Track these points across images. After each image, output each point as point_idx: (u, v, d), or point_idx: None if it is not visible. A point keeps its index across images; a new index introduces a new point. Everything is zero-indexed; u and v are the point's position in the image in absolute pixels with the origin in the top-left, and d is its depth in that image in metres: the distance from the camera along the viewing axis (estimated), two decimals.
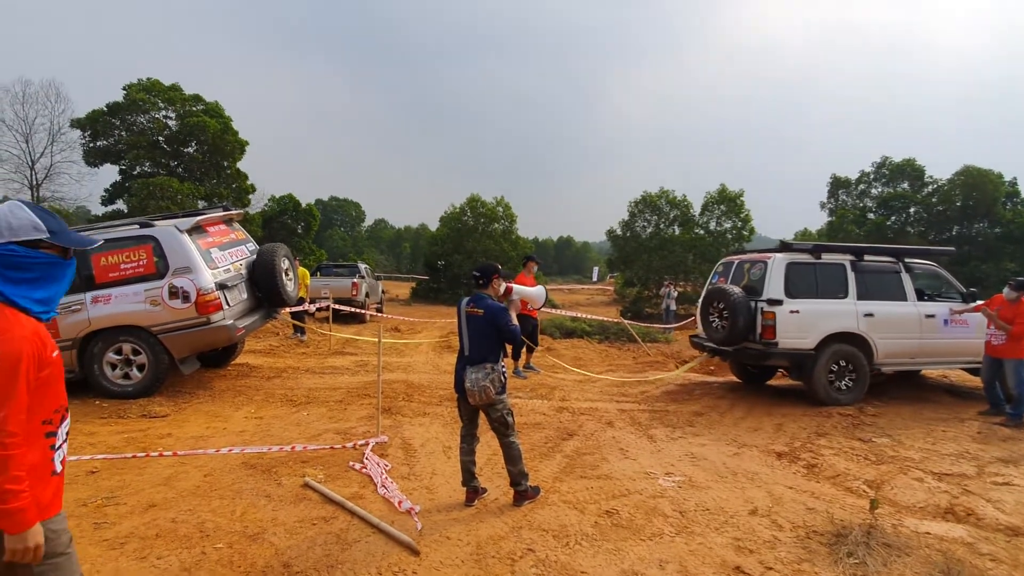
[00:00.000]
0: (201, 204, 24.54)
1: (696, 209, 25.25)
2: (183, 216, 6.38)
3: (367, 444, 4.56)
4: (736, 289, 6.47)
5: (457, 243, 26.90)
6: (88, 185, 36.99)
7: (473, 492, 3.61)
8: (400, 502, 3.54)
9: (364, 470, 4.06)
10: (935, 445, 5.08)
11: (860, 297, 6.38)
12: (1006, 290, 5.90)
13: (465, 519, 3.39)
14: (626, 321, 13.59)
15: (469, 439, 3.65)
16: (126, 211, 23.65)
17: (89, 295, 5.69)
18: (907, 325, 6.45)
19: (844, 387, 6.32)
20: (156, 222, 6.07)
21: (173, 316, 5.69)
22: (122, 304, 5.68)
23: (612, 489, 3.93)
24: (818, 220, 37.17)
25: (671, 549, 3.12)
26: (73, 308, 5.65)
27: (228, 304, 6.00)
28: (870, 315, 6.32)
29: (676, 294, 17.10)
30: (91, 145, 25.08)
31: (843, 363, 6.30)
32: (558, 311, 14.72)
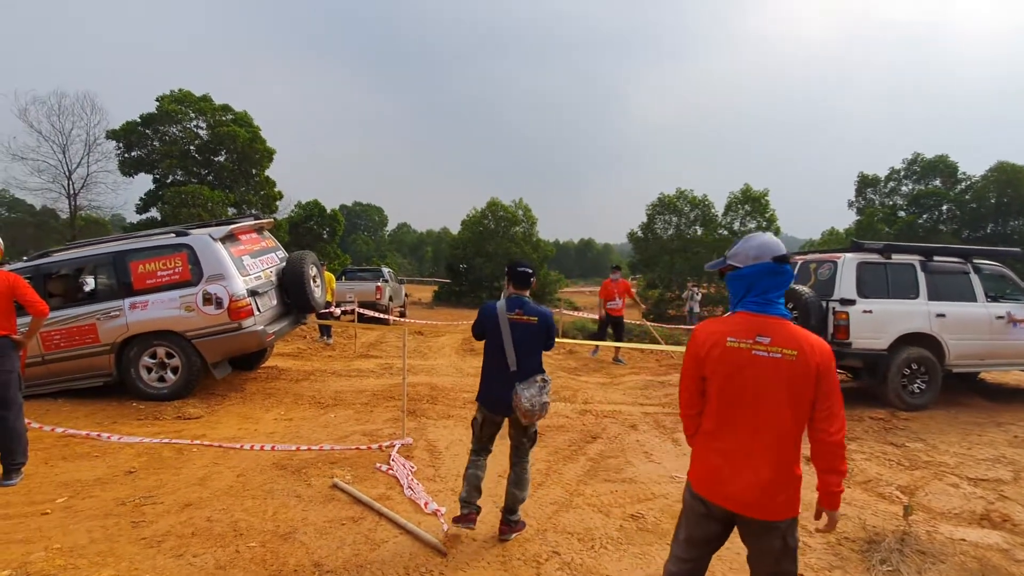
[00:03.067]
0: (231, 211, 25.21)
1: (719, 209, 24.92)
2: (216, 225, 6.56)
3: (393, 446, 4.63)
4: (806, 289, 6.37)
5: (478, 246, 27.05)
6: (123, 194, 38.36)
7: (476, 513, 3.17)
8: (426, 503, 3.58)
9: (390, 471, 4.13)
10: (970, 450, 4.93)
11: (931, 298, 6.29)
12: None
13: (491, 522, 3.42)
14: (649, 323, 13.48)
15: (485, 453, 3.28)
16: (160, 219, 24.43)
17: (127, 301, 5.89)
18: (978, 326, 6.35)
19: (916, 390, 6.21)
20: (191, 231, 6.26)
21: (207, 322, 5.86)
22: (158, 310, 5.87)
23: (637, 493, 3.92)
24: (846, 219, 36.32)
25: None
26: (112, 314, 5.87)
27: (259, 310, 6.15)
28: (942, 316, 6.24)
29: (700, 296, 16.90)
30: (126, 155, 26.02)
31: (915, 366, 6.19)
32: (580, 313, 14.68)
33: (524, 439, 3.19)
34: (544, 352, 3.19)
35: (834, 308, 6.16)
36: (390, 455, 4.41)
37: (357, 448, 4.66)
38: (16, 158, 24.96)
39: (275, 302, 6.63)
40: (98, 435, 4.82)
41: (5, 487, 3.80)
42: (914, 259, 6.45)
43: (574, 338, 12.21)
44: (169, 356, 5.96)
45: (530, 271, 3.18)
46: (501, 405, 3.07)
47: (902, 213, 30.89)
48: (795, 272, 7.12)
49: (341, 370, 8.04)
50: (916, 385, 6.22)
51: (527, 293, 3.18)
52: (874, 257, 6.38)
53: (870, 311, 6.10)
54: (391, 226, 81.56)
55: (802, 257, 7.26)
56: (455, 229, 35.57)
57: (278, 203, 28.71)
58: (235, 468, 4.17)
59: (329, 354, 9.73)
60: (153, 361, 5.97)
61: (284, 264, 6.95)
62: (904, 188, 32.17)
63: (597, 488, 4.00)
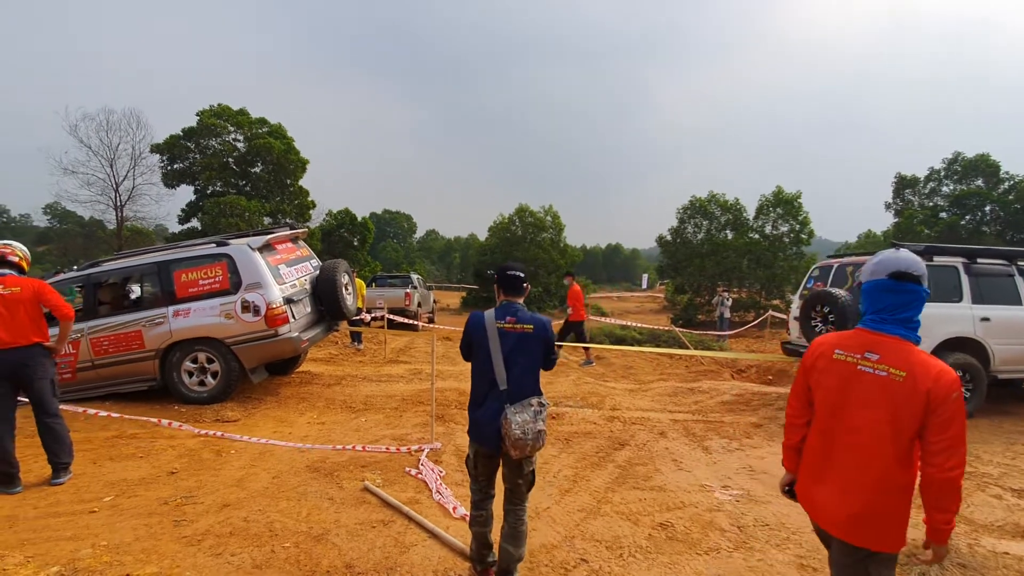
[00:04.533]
0: (267, 220, 25.99)
1: (750, 213, 24.40)
2: (254, 235, 6.79)
3: (422, 450, 4.69)
4: (843, 292, 6.24)
5: (506, 252, 27.16)
6: (166, 205, 39.86)
7: (492, 567, 2.84)
8: (455, 508, 3.62)
9: (419, 476, 4.19)
10: (1015, 460, 4.71)
11: (975, 301, 6.09)
12: None
13: None
14: (677, 329, 13.29)
15: (487, 501, 2.80)
16: (200, 228, 25.35)
17: (171, 309, 6.14)
18: None
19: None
20: (230, 240, 6.48)
21: (245, 329, 6.05)
22: (200, 317, 6.09)
23: (666, 501, 3.87)
24: (883, 221, 35.11)
25: (729, 565, 3.04)
26: (157, 321, 6.12)
27: (294, 317, 6.32)
28: (986, 320, 6.03)
29: (731, 301, 16.56)
30: (169, 168, 27.14)
31: (959, 372, 5.97)
32: (607, 319, 14.57)
33: (519, 480, 2.68)
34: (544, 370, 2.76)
35: None
36: (419, 459, 4.47)
37: (386, 449, 4.75)
38: (68, 172, 26.28)
39: (309, 309, 6.81)
40: (158, 422, 5.04)
41: (55, 486, 3.98)
42: (957, 261, 6.23)
43: (601, 344, 12.13)
44: (210, 361, 6.18)
45: (521, 275, 2.74)
46: (489, 433, 2.58)
47: (943, 214, 29.69)
48: (831, 275, 6.93)
49: (371, 375, 8.19)
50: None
51: (520, 300, 2.75)
52: None
53: None
54: (420, 233, 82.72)
55: (839, 260, 7.10)
56: (483, 235, 35.82)
57: (311, 212, 29.46)
58: (271, 470, 4.29)
59: (360, 359, 9.92)
60: (194, 366, 6.19)
61: (318, 272, 7.14)
62: (944, 189, 30.94)
63: (625, 495, 3.97)
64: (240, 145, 27.56)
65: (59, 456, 4.09)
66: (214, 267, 6.17)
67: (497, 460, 2.73)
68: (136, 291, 6.93)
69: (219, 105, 27.50)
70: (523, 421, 2.50)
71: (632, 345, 12.16)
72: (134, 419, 5.42)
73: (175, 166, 27.10)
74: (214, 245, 6.40)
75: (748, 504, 3.84)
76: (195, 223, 26.85)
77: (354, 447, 4.80)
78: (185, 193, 28.14)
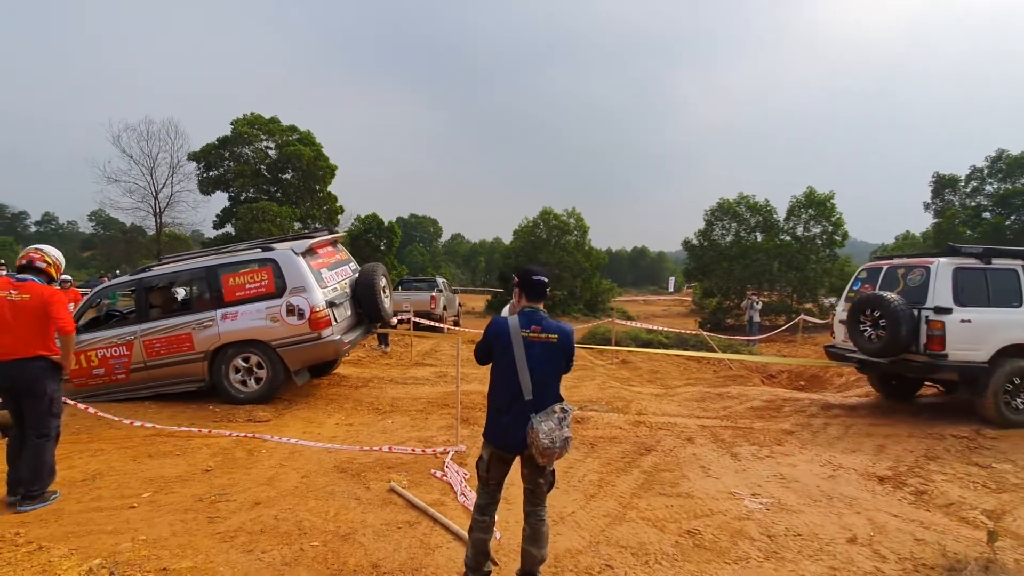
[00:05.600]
0: (297, 225, 26.63)
1: (781, 214, 23.84)
2: (297, 239, 6.93)
3: (447, 453, 4.73)
4: (895, 296, 6.02)
5: (531, 256, 27.15)
6: (202, 211, 41.05)
7: None
8: None
9: (444, 478, 4.22)
10: None
11: None
12: None
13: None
14: (705, 333, 13.07)
15: (493, 507, 2.76)
16: (234, 233, 26.11)
17: (219, 312, 6.33)
18: None
19: (1021, 406, 5.74)
20: (274, 245, 6.64)
21: (289, 332, 6.19)
22: (247, 320, 6.26)
23: (693, 508, 3.81)
24: (922, 222, 33.86)
25: (759, 575, 2.98)
26: (206, 324, 6.33)
27: (336, 320, 6.44)
28: None
29: (760, 304, 16.18)
30: (205, 175, 28.07)
31: (1019, 379, 5.73)
32: (633, 323, 14.42)
33: (541, 480, 2.69)
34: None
35: (927, 317, 5.77)
36: (444, 462, 4.51)
37: (412, 450, 4.80)
38: (111, 180, 27.49)
39: (349, 312, 6.92)
40: (199, 431, 5.21)
41: (21, 513, 3.61)
42: (1017, 264, 5.96)
43: (627, 347, 12.01)
44: (259, 366, 6.33)
45: (546, 280, 2.72)
46: (514, 441, 2.60)
47: (986, 214, 28.45)
48: (880, 277, 6.70)
49: (398, 377, 8.29)
50: (1020, 400, 5.72)
51: (542, 306, 2.74)
52: (972, 262, 5.95)
53: (968, 320, 5.67)
54: (445, 237, 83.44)
55: (888, 261, 6.82)
56: (507, 239, 35.92)
57: (340, 217, 30.05)
58: (300, 469, 4.39)
59: (386, 362, 10.05)
60: (244, 366, 6.35)
61: (357, 276, 7.25)
62: (988, 188, 29.64)
63: (652, 502, 3.92)
64: (272, 152, 28.33)
65: (32, 483, 3.68)
66: (260, 271, 6.34)
67: (510, 464, 2.73)
68: (186, 295, 7.18)
69: (252, 114, 28.35)
70: (549, 429, 2.50)
71: (658, 349, 12.01)
72: (172, 429, 5.58)
73: (210, 173, 28.04)
74: (260, 250, 6.57)
75: (779, 513, 3.75)
76: (229, 228, 27.67)
77: (381, 448, 4.87)
78: (220, 199, 29.11)
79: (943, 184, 31.16)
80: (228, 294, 6.34)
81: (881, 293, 6.17)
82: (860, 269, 7.35)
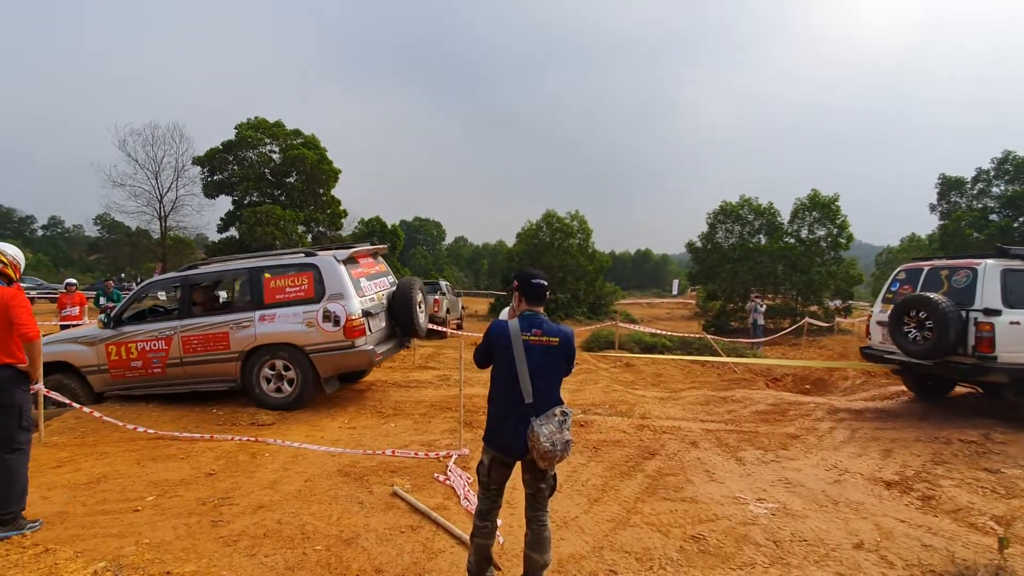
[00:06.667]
0: (300, 229, 26.70)
1: (785, 216, 23.76)
2: (339, 248, 6.94)
3: (450, 456, 4.71)
4: (943, 298, 5.99)
5: (534, 259, 27.13)
6: (206, 215, 41.26)
7: None
8: None
9: (447, 482, 4.20)
10: None
11: None
12: None
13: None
14: (709, 336, 13.03)
15: (494, 511, 2.73)
16: (237, 237, 26.21)
17: (257, 314, 6.36)
18: None
19: None
20: (317, 252, 6.69)
21: (324, 338, 6.19)
22: (283, 324, 6.28)
23: (698, 513, 3.79)
24: (927, 224, 33.68)
25: None
26: (243, 324, 6.34)
27: (370, 330, 6.43)
28: None
29: (764, 307, 16.13)
30: (209, 179, 28.19)
31: None
32: (637, 326, 14.38)
33: (542, 485, 2.67)
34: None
35: (976, 319, 5.75)
36: (447, 466, 4.50)
37: (415, 454, 4.79)
38: (116, 184, 27.67)
39: (384, 324, 6.91)
40: (201, 436, 5.22)
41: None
42: None
43: (631, 351, 11.99)
44: (286, 369, 6.32)
45: (545, 283, 2.70)
46: (516, 446, 2.58)
47: (993, 216, 28.28)
48: (921, 279, 6.66)
49: (400, 381, 8.28)
50: None
51: (542, 310, 2.73)
52: (1020, 264, 5.94)
53: (1018, 323, 5.64)
54: (448, 240, 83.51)
55: (929, 263, 6.77)
56: (511, 242, 35.91)
57: (343, 220, 30.14)
58: (303, 473, 4.38)
59: (389, 365, 10.04)
60: (275, 372, 6.35)
61: (395, 289, 7.26)
62: (994, 190, 29.46)
63: (656, 506, 3.90)
64: (276, 156, 28.44)
65: (6, 504, 3.34)
66: (301, 276, 6.38)
67: (511, 469, 2.72)
68: (226, 294, 7.23)
69: (256, 118, 28.48)
70: (550, 433, 2.50)
71: (662, 353, 11.98)
72: (175, 435, 5.59)
73: (215, 177, 28.17)
74: (303, 255, 6.63)
75: (784, 518, 3.72)
76: (233, 232, 27.78)
77: (384, 452, 4.86)
78: (224, 203, 29.22)
79: (949, 186, 31.00)
80: (268, 296, 6.38)
81: (928, 294, 6.13)
82: (898, 270, 7.31)
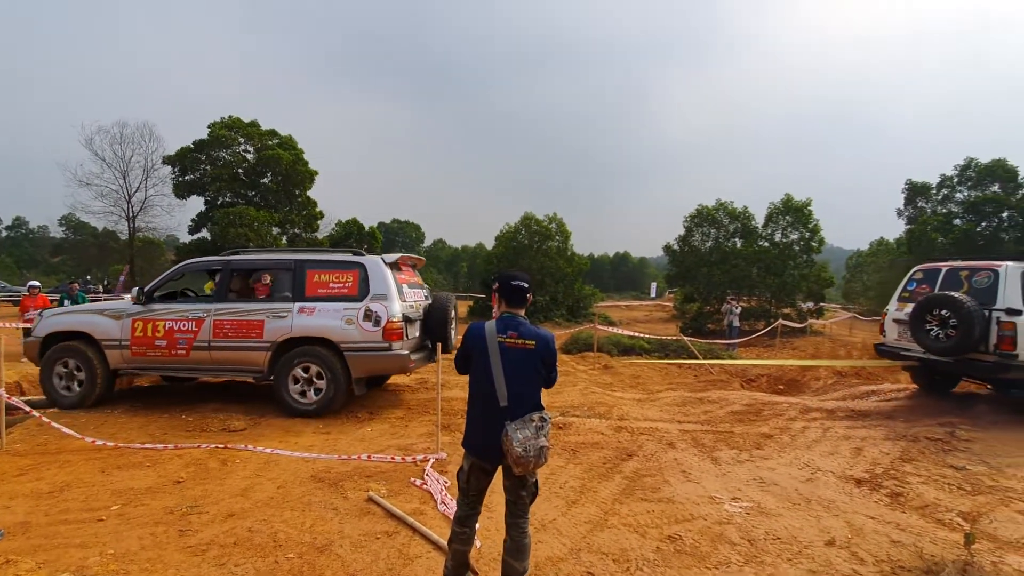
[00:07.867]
0: (275, 231, 26.19)
1: (759, 221, 24.26)
2: (386, 254, 6.91)
3: (427, 460, 4.66)
4: (967, 297, 6.19)
5: (512, 261, 27.14)
6: (177, 216, 40.21)
7: None
8: None
9: (424, 486, 4.15)
10: None
11: None
12: None
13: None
14: (686, 338, 13.20)
15: (473, 518, 2.69)
16: (209, 238, 25.60)
17: (297, 305, 6.25)
18: None
19: None
20: (364, 254, 6.65)
21: (362, 337, 6.11)
22: (322, 318, 6.17)
23: (674, 513, 3.81)
24: (895, 228, 34.73)
25: None
26: (280, 314, 6.21)
27: (407, 336, 6.35)
28: None
29: (740, 310, 16.43)
30: (180, 179, 27.49)
31: None
32: (615, 328, 14.49)
33: (522, 492, 2.61)
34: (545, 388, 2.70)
35: (999, 318, 6.00)
36: (424, 470, 4.44)
37: (391, 458, 4.72)
38: (82, 184, 26.85)
39: (418, 334, 6.83)
40: (164, 447, 5.05)
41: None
42: None
43: (609, 353, 12.06)
44: (319, 376, 6.18)
45: (526, 286, 2.63)
46: (491, 450, 2.53)
47: (957, 221, 29.33)
48: (939, 279, 6.88)
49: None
50: None
51: (523, 312, 2.66)
52: None
53: None
54: (427, 242, 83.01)
55: (947, 264, 7.04)
56: (490, 244, 35.85)
57: (319, 222, 29.69)
58: (275, 480, 4.28)
59: None
60: (305, 375, 6.19)
61: (432, 302, 7.20)
62: (958, 195, 30.58)
63: (633, 507, 3.91)
64: (250, 156, 27.89)
65: None
66: (346, 273, 6.34)
67: (492, 475, 2.65)
68: (268, 282, 7.14)
69: (230, 117, 27.89)
70: (524, 438, 2.42)
71: (640, 355, 12.09)
72: (136, 447, 5.41)
73: (186, 177, 27.47)
74: (351, 254, 6.60)
75: (759, 517, 3.77)
76: (204, 233, 27.13)
77: (359, 457, 4.78)
78: (195, 204, 28.54)
79: (915, 192, 32.04)
80: (309, 289, 6.32)
81: (953, 294, 6.35)
82: (915, 270, 7.58)
